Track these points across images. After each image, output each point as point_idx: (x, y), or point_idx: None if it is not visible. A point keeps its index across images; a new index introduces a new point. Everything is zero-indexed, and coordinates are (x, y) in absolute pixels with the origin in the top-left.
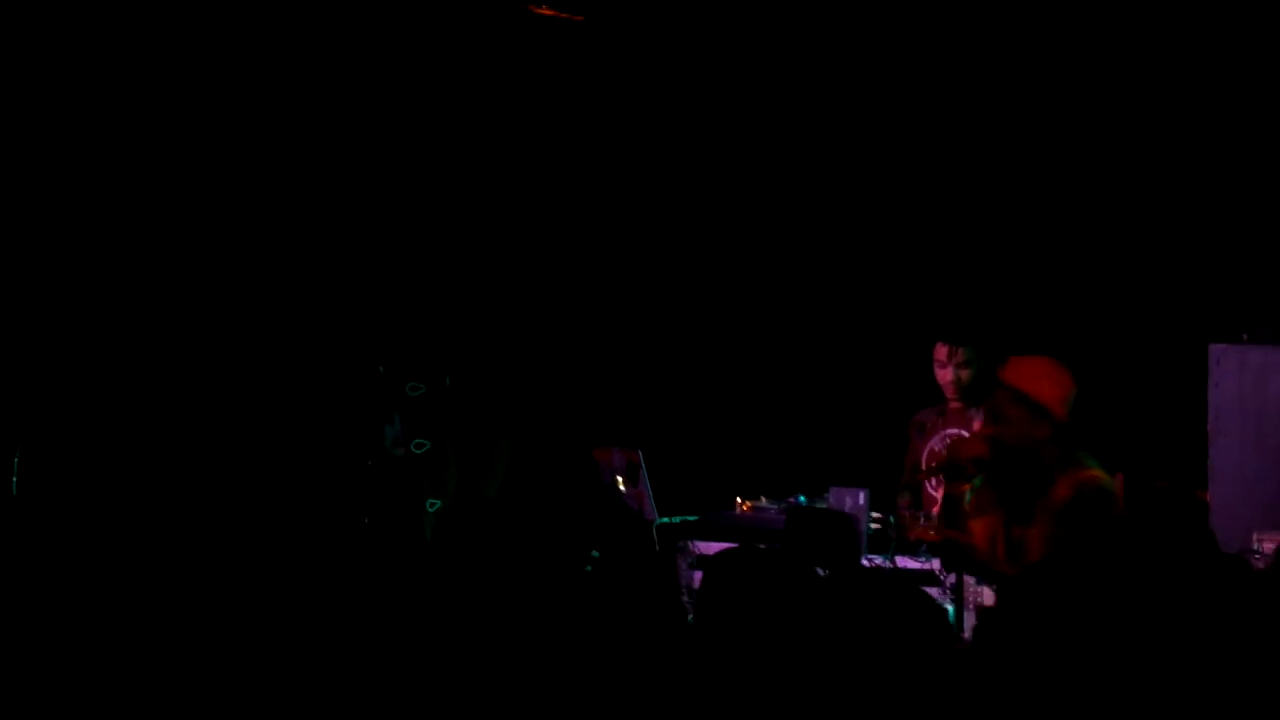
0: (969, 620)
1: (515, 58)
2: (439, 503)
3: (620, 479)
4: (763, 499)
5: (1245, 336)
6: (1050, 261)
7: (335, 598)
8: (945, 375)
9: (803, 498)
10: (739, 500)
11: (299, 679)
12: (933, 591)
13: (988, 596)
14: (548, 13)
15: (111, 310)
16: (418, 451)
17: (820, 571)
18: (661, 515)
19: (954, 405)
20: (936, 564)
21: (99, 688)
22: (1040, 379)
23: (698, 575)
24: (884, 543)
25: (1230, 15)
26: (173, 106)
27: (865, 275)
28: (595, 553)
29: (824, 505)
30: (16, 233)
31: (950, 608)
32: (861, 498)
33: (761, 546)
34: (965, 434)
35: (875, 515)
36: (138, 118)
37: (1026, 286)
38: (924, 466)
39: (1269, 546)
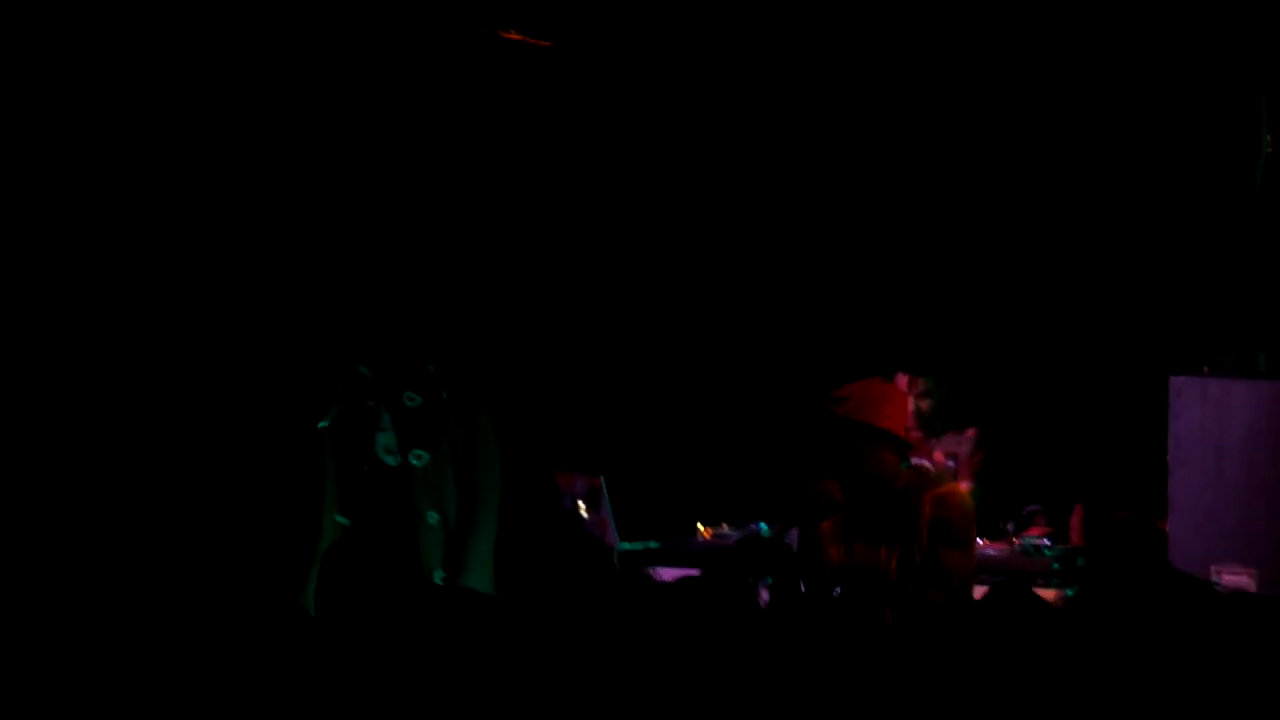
0: None
1: (484, 82)
2: (437, 516)
3: (582, 504)
4: (724, 525)
5: (1206, 369)
6: (1013, 292)
7: (323, 604)
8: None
9: (764, 525)
10: (700, 526)
11: (289, 681)
12: None
13: None
14: (516, 38)
15: (106, 311)
16: (416, 463)
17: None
18: (623, 541)
19: (914, 435)
20: None
21: (94, 688)
22: (878, 405)
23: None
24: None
25: (1193, 58)
26: (163, 112)
27: (828, 304)
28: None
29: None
30: (11, 232)
31: None
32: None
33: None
34: (927, 464)
35: None
36: (130, 119)
37: (988, 317)
38: None
39: (1227, 579)
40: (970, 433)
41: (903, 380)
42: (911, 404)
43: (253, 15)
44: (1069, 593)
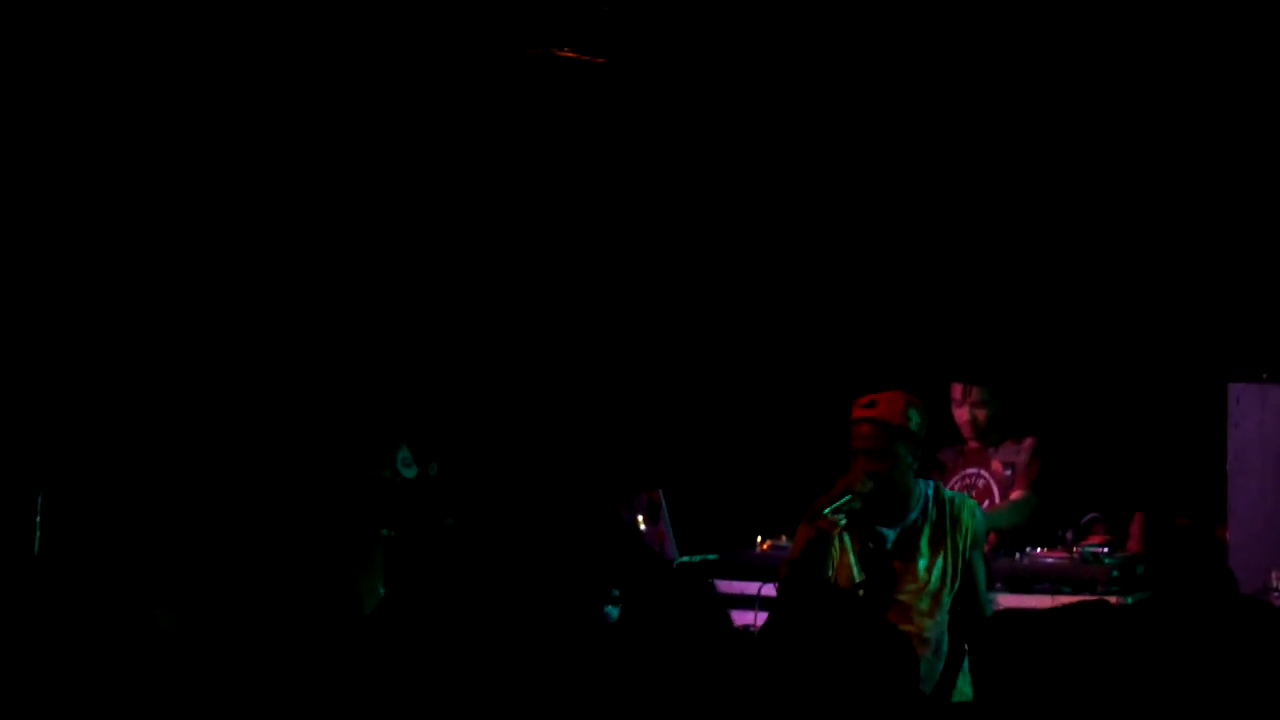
0: None
1: (540, 100)
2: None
3: (641, 518)
4: (783, 538)
5: (1265, 375)
6: (1071, 300)
7: (343, 614)
8: (962, 415)
9: None
10: (759, 539)
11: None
12: None
13: None
14: (570, 55)
15: (117, 318)
16: (431, 474)
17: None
18: (682, 554)
19: (972, 445)
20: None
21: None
22: (906, 410)
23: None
24: None
25: (1258, 59)
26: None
27: (886, 315)
28: (615, 591)
29: None
30: (23, 243)
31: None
32: None
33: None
34: (984, 473)
35: None
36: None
37: (1045, 325)
38: None
39: None
40: (1028, 442)
41: (957, 389)
42: (967, 413)
43: (308, 39)
44: (1128, 601)
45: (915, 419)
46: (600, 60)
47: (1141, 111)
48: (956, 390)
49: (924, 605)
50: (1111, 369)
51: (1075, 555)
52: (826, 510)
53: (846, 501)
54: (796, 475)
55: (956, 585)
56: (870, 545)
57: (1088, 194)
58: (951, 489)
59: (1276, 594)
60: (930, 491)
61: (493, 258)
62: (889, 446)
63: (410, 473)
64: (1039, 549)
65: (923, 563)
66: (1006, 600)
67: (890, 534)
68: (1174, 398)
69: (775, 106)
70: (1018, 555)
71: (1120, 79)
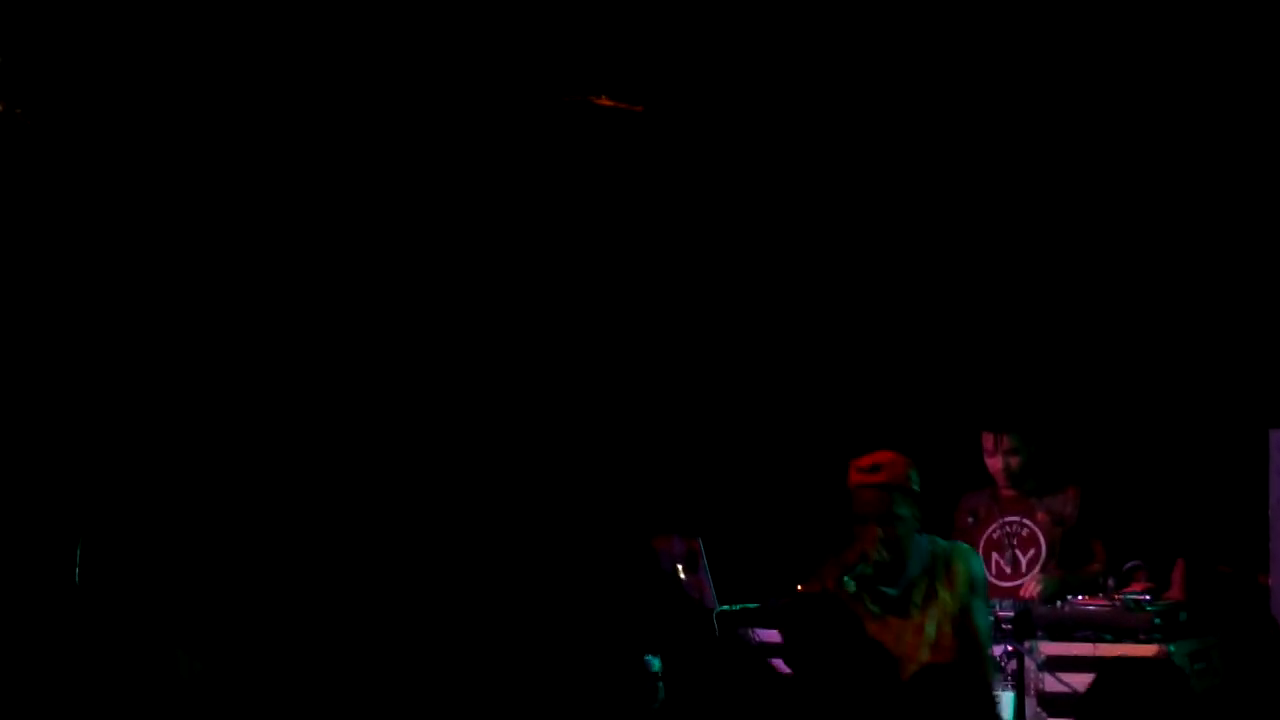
0: (1030, 708)
1: (577, 147)
2: None
3: (680, 567)
4: None
5: None
6: (1110, 346)
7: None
8: (995, 464)
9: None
10: (799, 587)
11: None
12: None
13: (1049, 683)
14: (608, 104)
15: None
16: None
17: None
18: (722, 603)
19: (1006, 492)
20: (998, 650)
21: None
22: (907, 472)
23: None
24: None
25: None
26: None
27: (922, 365)
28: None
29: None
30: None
31: (1010, 694)
32: None
33: None
34: (1028, 522)
35: None
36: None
37: (1084, 371)
38: (980, 552)
39: None
40: (1070, 492)
41: (988, 439)
42: (1001, 461)
43: (353, 86)
44: (1170, 648)
45: (915, 479)
46: (638, 109)
47: (1183, 151)
48: (988, 440)
49: (924, 656)
50: (1152, 415)
51: (1117, 602)
52: (844, 579)
53: (861, 569)
54: (834, 523)
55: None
56: (875, 607)
57: (1126, 241)
58: (991, 536)
59: None
60: (926, 545)
61: (535, 299)
62: (895, 510)
63: None
64: (1080, 596)
65: (917, 614)
66: (1048, 648)
67: (893, 592)
68: (1215, 444)
69: (800, 162)
70: (1059, 603)
71: (1163, 112)
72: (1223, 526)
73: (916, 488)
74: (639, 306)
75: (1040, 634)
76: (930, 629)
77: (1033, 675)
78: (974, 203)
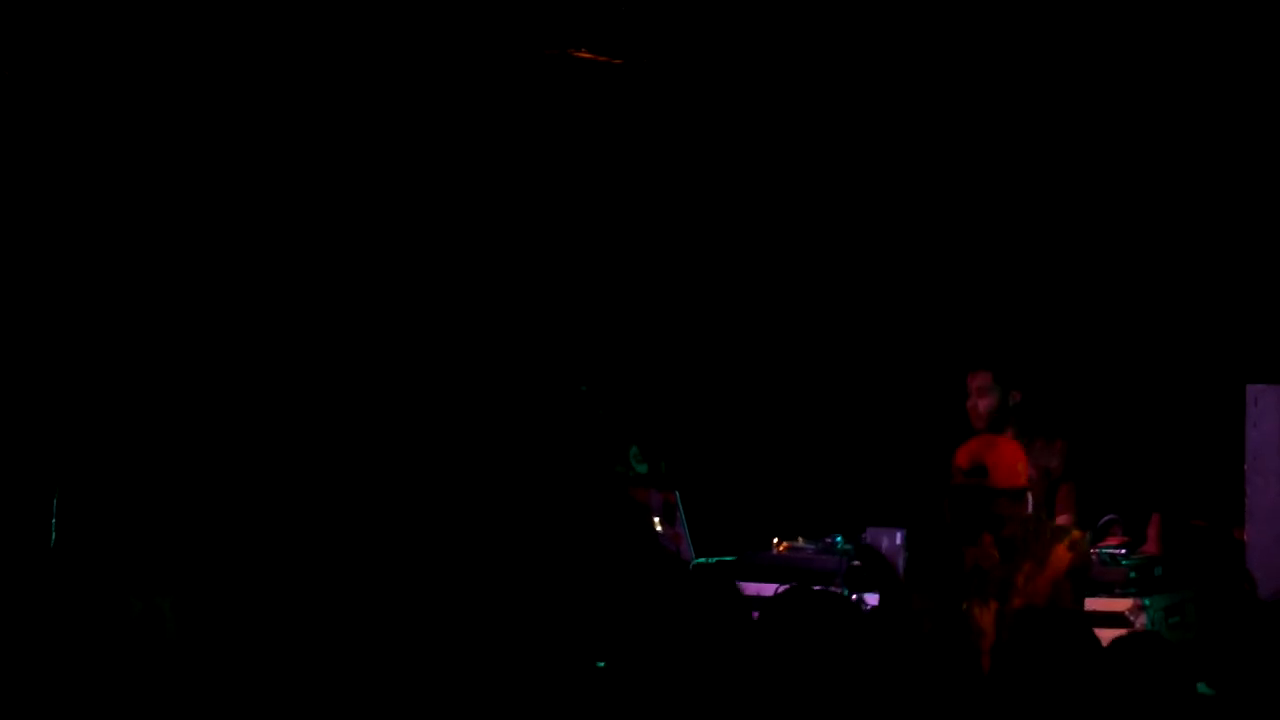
0: None
1: (558, 100)
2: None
3: (657, 519)
4: (800, 539)
5: None
6: (1090, 301)
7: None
8: (969, 403)
9: (839, 538)
10: (776, 540)
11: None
12: None
13: None
14: (587, 56)
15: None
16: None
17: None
18: (699, 555)
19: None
20: None
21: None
22: (1014, 466)
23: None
24: None
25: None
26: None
27: (901, 313)
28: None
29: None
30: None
31: None
32: (899, 538)
33: (815, 588)
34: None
35: None
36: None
37: (1064, 326)
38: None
39: None
40: (1059, 445)
41: (968, 379)
42: (971, 401)
43: (319, 35)
44: (1145, 602)
45: (1023, 470)
46: (618, 61)
47: (1165, 115)
48: (968, 380)
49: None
50: (1129, 370)
51: (1093, 557)
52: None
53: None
54: (812, 477)
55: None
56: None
57: (1110, 196)
58: None
59: None
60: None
61: (511, 254)
62: (1010, 512)
63: (642, 468)
64: None
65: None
66: None
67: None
68: (1192, 399)
69: (785, 104)
70: None
71: (1142, 78)
72: (1198, 481)
73: (1027, 482)
74: (619, 262)
75: None
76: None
77: None
78: (962, 159)
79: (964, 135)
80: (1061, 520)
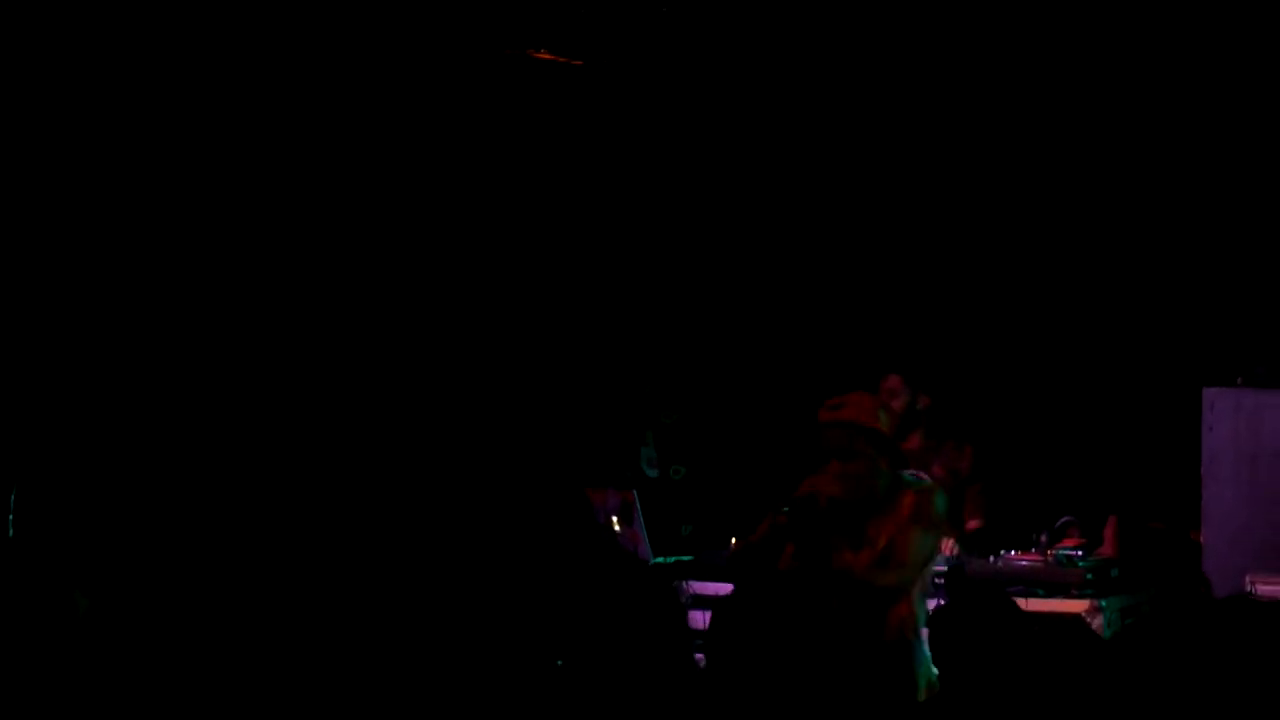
0: None
1: (517, 101)
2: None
3: (615, 519)
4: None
5: (1239, 380)
6: (1046, 303)
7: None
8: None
9: None
10: (733, 540)
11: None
12: None
13: None
14: (547, 57)
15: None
16: (675, 477)
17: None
18: (656, 555)
19: (909, 444)
20: (931, 605)
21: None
22: (875, 411)
23: (696, 615)
24: None
25: (1226, 45)
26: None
27: (858, 316)
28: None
29: None
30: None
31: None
32: None
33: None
34: (924, 476)
35: None
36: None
37: (1022, 329)
38: None
39: (1262, 589)
40: (967, 449)
41: (894, 381)
42: (898, 404)
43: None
44: (1102, 604)
45: (884, 419)
46: (578, 63)
47: (1122, 114)
48: (894, 382)
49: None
50: (1086, 373)
51: (1049, 558)
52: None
53: (810, 501)
54: (770, 477)
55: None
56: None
57: (1064, 197)
58: None
59: (1251, 598)
60: (889, 481)
61: (468, 255)
62: (859, 448)
63: (653, 473)
64: (1013, 552)
65: (870, 546)
66: None
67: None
68: (1148, 402)
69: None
70: (992, 558)
71: (1097, 78)
72: (1155, 484)
73: (885, 426)
74: (576, 258)
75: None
76: (885, 561)
77: None
78: (917, 155)
79: (906, 108)
80: (972, 524)
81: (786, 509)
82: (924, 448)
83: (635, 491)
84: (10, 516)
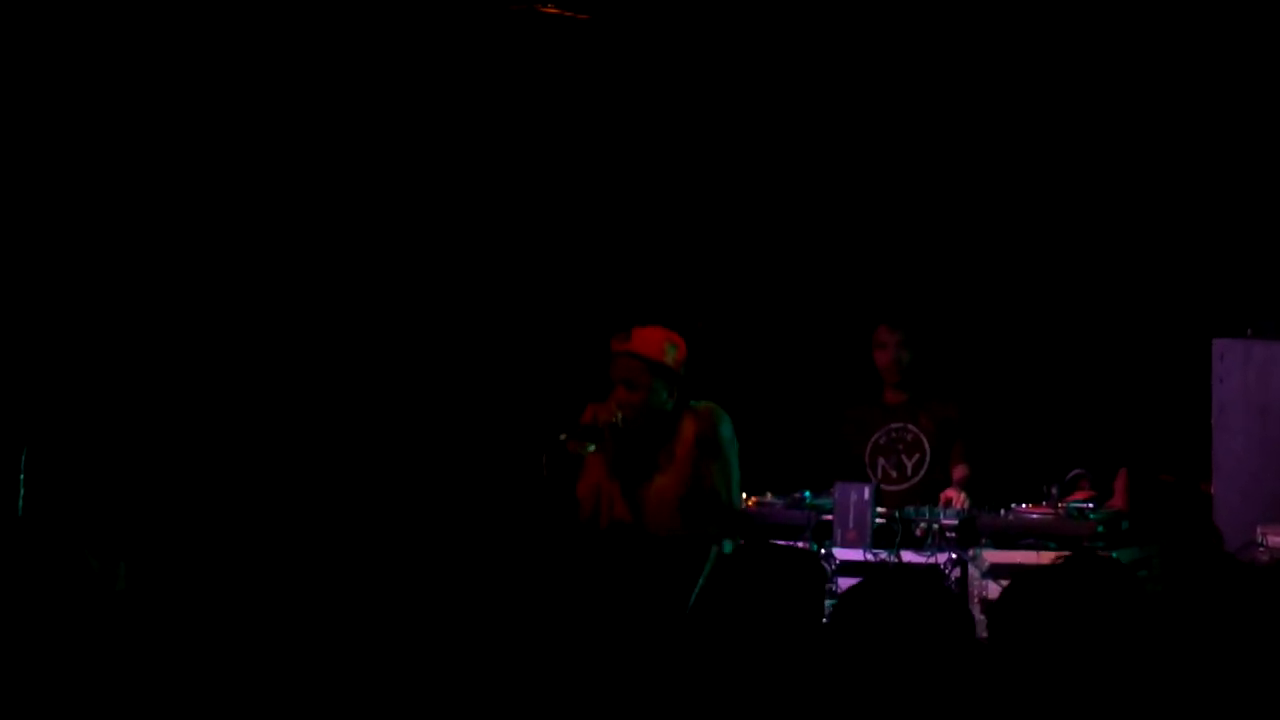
0: (975, 615)
1: (523, 56)
2: None
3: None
4: (768, 495)
5: (1249, 331)
6: (1055, 257)
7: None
8: (885, 357)
9: (808, 493)
10: (744, 496)
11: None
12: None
13: (992, 590)
14: (554, 11)
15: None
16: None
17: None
18: None
19: (890, 399)
20: (941, 558)
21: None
22: (663, 346)
23: None
24: (889, 538)
25: (1231, 11)
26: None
27: (866, 264)
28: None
29: (830, 501)
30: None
31: None
32: (866, 492)
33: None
34: (911, 427)
35: (880, 510)
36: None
37: (1032, 282)
38: (866, 458)
39: (1273, 540)
40: (951, 405)
41: (883, 332)
42: (892, 354)
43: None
44: (1113, 556)
45: (671, 354)
46: (584, 17)
47: (1119, 73)
48: (883, 333)
49: (661, 517)
50: (1095, 325)
51: (1060, 511)
52: (572, 435)
53: (593, 430)
54: (780, 432)
55: (688, 489)
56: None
57: (1072, 151)
58: (877, 442)
59: (1261, 549)
60: (675, 412)
61: (461, 224)
62: (644, 379)
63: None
64: (1024, 505)
65: (659, 474)
66: (991, 556)
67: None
68: (1158, 353)
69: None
70: (1003, 511)
71: (1092, 43)
72: (1165, 436)
73: (672, 363)
74: (578, 225)
75: (984, 541)
76: (666, 490)
77: (976, 583)
78: (902, 113)
79: (896, 73)
80: (958, 472)
81: (565, 435)
82: (910, 399)
83: None
84: (21, 476)
